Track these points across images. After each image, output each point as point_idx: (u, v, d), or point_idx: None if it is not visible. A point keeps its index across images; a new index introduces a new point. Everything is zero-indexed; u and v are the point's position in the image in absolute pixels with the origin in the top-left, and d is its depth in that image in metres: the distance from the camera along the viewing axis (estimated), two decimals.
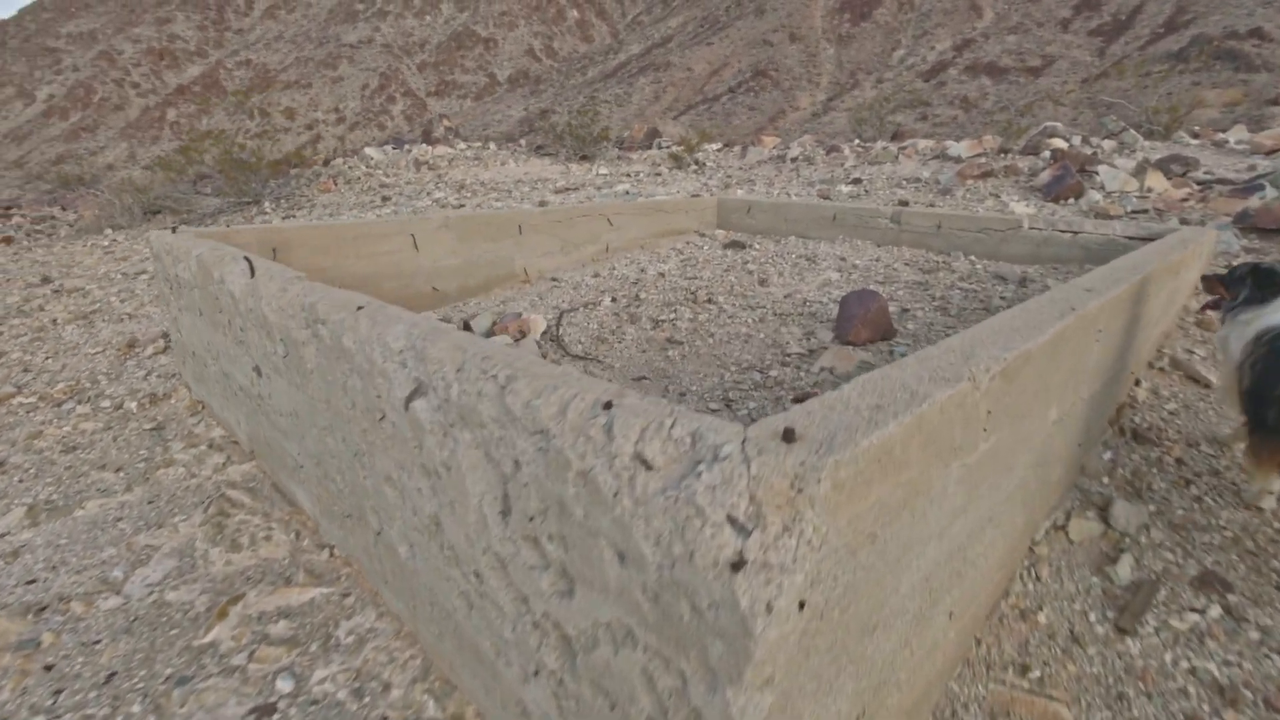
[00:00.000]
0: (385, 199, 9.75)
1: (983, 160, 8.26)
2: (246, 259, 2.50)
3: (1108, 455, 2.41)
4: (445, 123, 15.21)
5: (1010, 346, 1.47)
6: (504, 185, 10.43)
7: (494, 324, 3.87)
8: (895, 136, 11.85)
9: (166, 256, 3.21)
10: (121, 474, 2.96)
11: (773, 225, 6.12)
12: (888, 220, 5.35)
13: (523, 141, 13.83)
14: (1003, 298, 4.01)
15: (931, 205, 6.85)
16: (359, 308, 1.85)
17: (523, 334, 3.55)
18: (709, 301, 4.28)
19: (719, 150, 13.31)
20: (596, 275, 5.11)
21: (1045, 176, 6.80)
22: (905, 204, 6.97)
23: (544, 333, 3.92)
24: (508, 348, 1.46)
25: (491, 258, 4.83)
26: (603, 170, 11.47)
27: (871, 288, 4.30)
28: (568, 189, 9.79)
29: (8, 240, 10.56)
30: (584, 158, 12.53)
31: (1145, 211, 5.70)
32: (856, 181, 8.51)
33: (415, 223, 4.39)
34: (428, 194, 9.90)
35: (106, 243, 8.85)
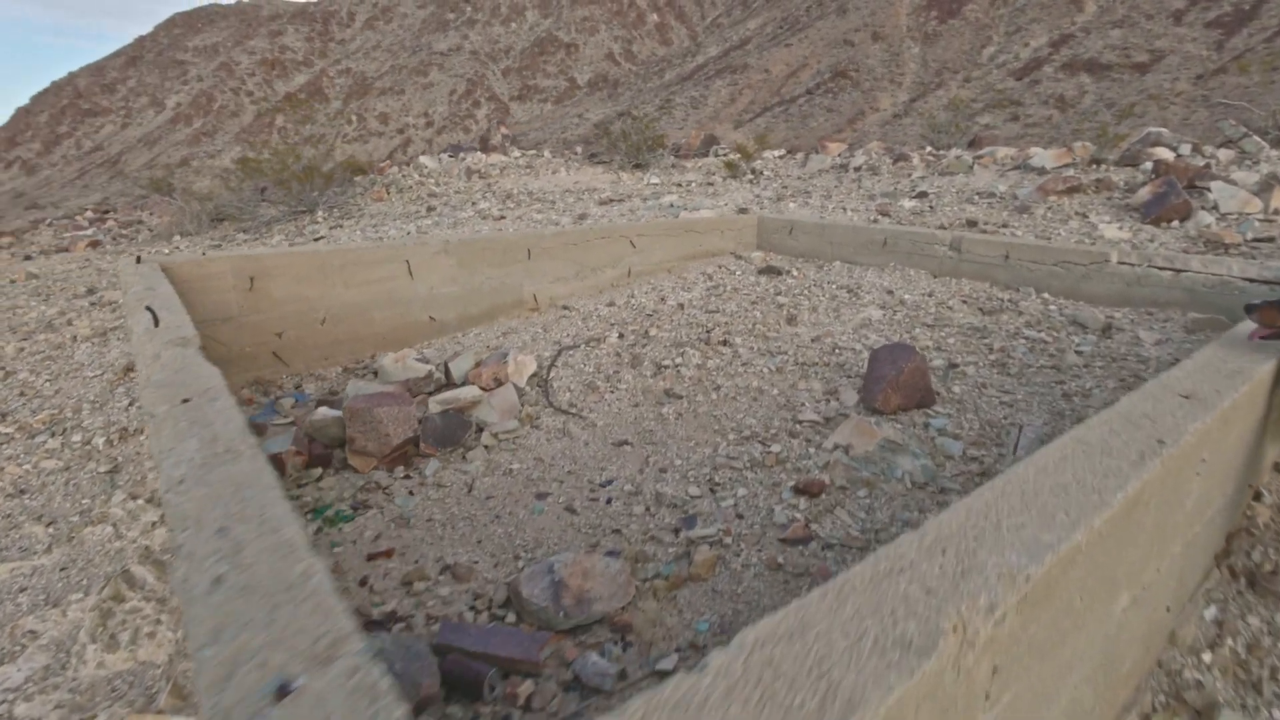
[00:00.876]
0: (430, 209, 9.64)
1: (1070, 173, 7.33)
2: (149, 309, 2.20)
3: (1211, 613, 1.77)
4: (502, 130, 15.14)
5: (1045, 543, 0.93)
6: (550, 195, 10.15)
7: (476, 364, 3.49)
8: (973, 143, 10.87)
9: (120, 289, 2.98)
10: (51, 529, 2.74)
11: (816, 248, 5.52)
12: (946, 247, 4.67)
13: (579, 149, 13.57)
14: (1079, 352, 3.32)
15: (1004, 226, 6.07)
16: (184, 400, 1.48)
17: (498, 383, 3.16)
18: (723, 343, 3.77)
19: (781, 157, 12.64)
20: (611, 304, 4.68)
21: (1144, 194, 5.89)
22: (973, 224, 6.21)
23: (533, 376, 3.51)
24: (278, 497, 1.05)
25: (496, 284, 4.48)
26: (654, 180, 11.04)
27: (918, 331, 3.68)
28: (612, 200, 9.42)
29: (94, 244, 11.12)
30: (637, 166, 12.14)
31: (1271, 240, 4.78)
32: (922, 195, 7.74)
33: (411, 248, 4.08)
34: (472, 204, 9.74)
35: (169, 250, 9.08)
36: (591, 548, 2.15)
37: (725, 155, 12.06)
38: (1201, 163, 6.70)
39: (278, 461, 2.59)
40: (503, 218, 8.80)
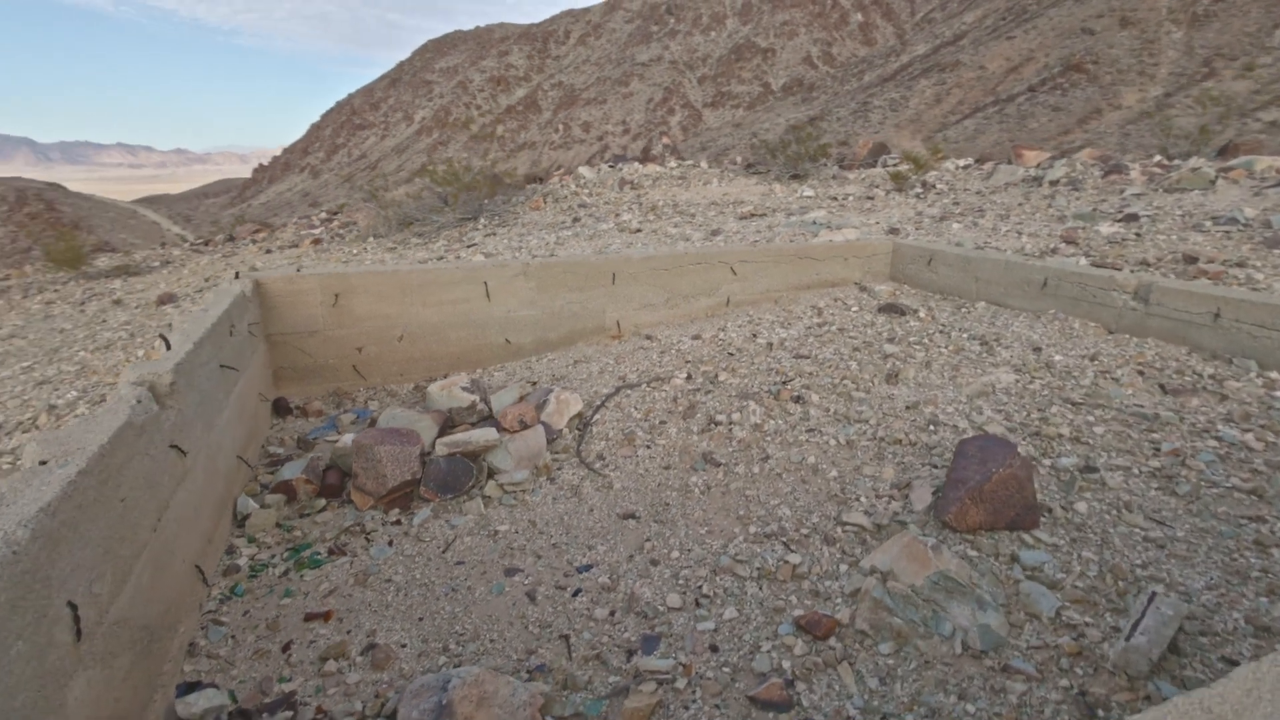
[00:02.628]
0: (575, 219, 9.81)
1: None
2: (162, 336, 2.25)
3: None
4: (664, 140, 15.10)
5: None
6: (694, 208, 9.87)
7: (520, 399, 3.31)
8: (1224, 151, 8.71)
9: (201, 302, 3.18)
10: None
11: (959, 285, 4.66)
12: (1129, 296, 3.66)
13: (738, 159, 13.11)
14: None
15: (1238, 266, 4.71)
16: (41, 462, 1.40)
17: (523, 425, 2.93)
18: (795, 400, 3.23)
19: (964, 167, 11.19)
20: (697, 337, 4.28)
21: None
22: (1192, 260, 4.91)
23: (575, 416, 3.25)
24: None
25: (577, 309, 4.28)
26: (807, 192, 10.30)
27: (1054, 411, 2.89)
28: (753, 214, 8.90)
29: (316, 241, 12.80)
30: (795, 177, 11.43)
31: None
32: (1130, 219, 6.33)
33: (490, 270, 4.02)
34: (615, 215, 9.75)
35: (357, 250, 10.11)
36: (526, 655, 1.83)
37: (894, 166, 10.92)
38: None
39: (288, 488, 2.58)
40: (639, 230, 8.67)
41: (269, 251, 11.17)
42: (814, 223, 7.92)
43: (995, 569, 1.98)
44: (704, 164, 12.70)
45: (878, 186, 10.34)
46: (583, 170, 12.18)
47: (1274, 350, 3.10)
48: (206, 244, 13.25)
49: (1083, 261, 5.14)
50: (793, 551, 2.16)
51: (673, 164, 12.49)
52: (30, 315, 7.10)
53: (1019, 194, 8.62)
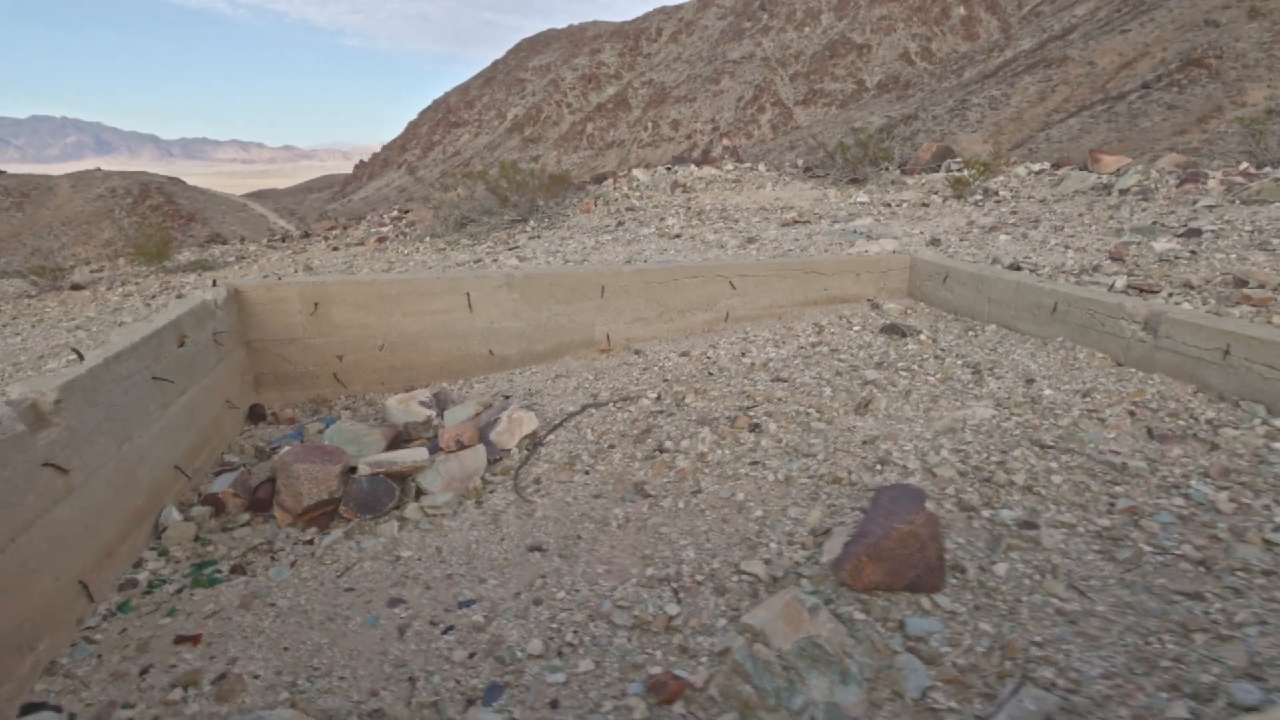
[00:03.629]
0: (620, 223, 9.81)
1: None
2: (74, 350, 2.38)
3: None
4: (725, 142, 14.79)
5: None
6: (741, 212, 9.66)
7: (476, 415, 3.32)
8: None
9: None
10: None
11: (972, 305, 4.34)
12: (1138, 326, 3.29)
13: (800, 161, 12.72)
14: (1272, 542, 2.04)
15: None
16: None
17: (461, 445, 2.93)
18: (752, 429, 3.09)
19: (1036, 173, 10.43)
20: (685, 354, 4.17)
21: None
22: (1243, 284, 4.38)
23: (529, 436, 3.23)
24: None
25: (564, 321, 4.26)
26: (862, 198, 9.88)
27: (1016, 454, 2.64)
28: (797, 221, 8.62)
29: (381, 240, 13.39)
30: (853, 181, 11.00)
31: None
32: (1192, 234, 5.72)
33: (472, 281, 4.06)
34: (660, 219, 9.68)
35: (408, 250, 10.48)
36: (367, 696, 1.81)
37: (958, 171, 10.30)
38: None
39: (216, 501, 2.68)
40: (678, 236, 8.58)
41: (335, 249, 11.70)
42: (854, 231, 7.59)
43: (877, 636, 1.81)
44: (761, 167, 12.41)
45: (936, 193, 9.79)
46: (637, 173, 12.16)
47: None
48: (283, 240, 14.06)
49: (1120, 282, 4.67)
50: (676, 601, 2.05)
51: (729, 167, 12.27)
52: (105, 307, 7.73)
53: (1084, 203, 7.97)
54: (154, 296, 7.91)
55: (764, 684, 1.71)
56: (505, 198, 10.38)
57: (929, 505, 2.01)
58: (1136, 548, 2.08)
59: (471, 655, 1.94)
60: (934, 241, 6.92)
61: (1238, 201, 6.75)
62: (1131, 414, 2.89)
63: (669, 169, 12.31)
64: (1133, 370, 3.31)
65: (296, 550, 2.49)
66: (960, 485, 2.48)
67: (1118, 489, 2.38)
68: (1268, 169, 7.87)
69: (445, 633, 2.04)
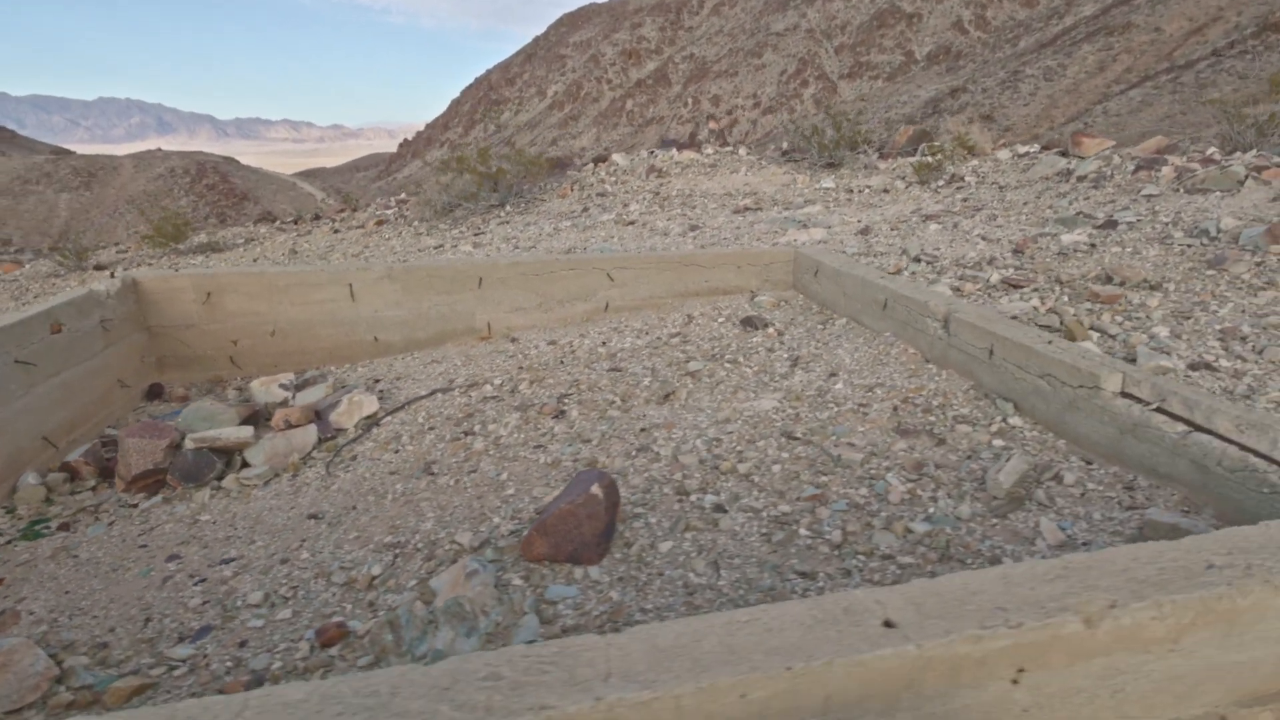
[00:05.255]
0: (585, 209, 10.05)
1: None
2: None
3: None
4: (712, 124, 14.78)
5: None
6: (704, 199, 9.79)
7: (325, 397, 3.69)
8: None
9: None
10: None
11: (833, 299, 4.49)
12: (940, 324, 3.44)
13: (784, 144, 12.67)
14: (914, 533, 2.24)
15: (1154, 290, 4.20)
16: None
17: (289, 425, 3.30)
18: (557, 415, 3.38)
19: (1021, 156, 10.21)
20: (552, 343, 4.46)
21: None
22: (1109, 280, 4.43)
23: (368, 417, 3.59)
24: None
25: (445, 311, 4.59)
26: (828, 184, 9.88)
27: (761, 446, 2.86)
28: (749, 208, 8.72)
29: (380, 222, 13.90)
30: (829, 165, 10.96)
31: None
32: (1108, 225, 5.68)
33: (353, 273, 4.41)
34: (623, 204, 9.89)
35: (393, 234, 10.91)
36: (106, 632, 2.20)
37: (941, 153, 10.15)
38: None
39: (71, 468, 3.12)
40: (632, 223, 8.80)
41: (337, 231, 12.22)
42: (793, 220, 7.69)
43: (518, 599, 2.11)
44: (742, 151, 12.42)
45: (903, 178, 9.72)
46: (617, 157, 12.33)
47: (1030, 395, 2.85)
48: (295, 223, 14.68)
49: (995, 276, 4.75)
50: (391, 563, 2.38)
51: (709, 151, 12.33)
52: None
53: (1037, 190, 7.86)
54: None
55: (405, 635, 2.03)
56: (480, 184, 10.71)
57: (594, 489, 2.28)
58: (794, 531, 2.31)
59: (205, 602, 2.31)
60: (864, 231, 6.99)
61: (1182, 190, 6.61)
62: (895, 409, 3.08)
63: (650, 153, 12.45)
64: (932, 367, 3.47)
65: (119, 512, 2.91)
66: (690, 472, 2.72)
67: (823, 479, 2.60)
68: (1238, 154, 7.60)
69: (198, 584, 2.41)
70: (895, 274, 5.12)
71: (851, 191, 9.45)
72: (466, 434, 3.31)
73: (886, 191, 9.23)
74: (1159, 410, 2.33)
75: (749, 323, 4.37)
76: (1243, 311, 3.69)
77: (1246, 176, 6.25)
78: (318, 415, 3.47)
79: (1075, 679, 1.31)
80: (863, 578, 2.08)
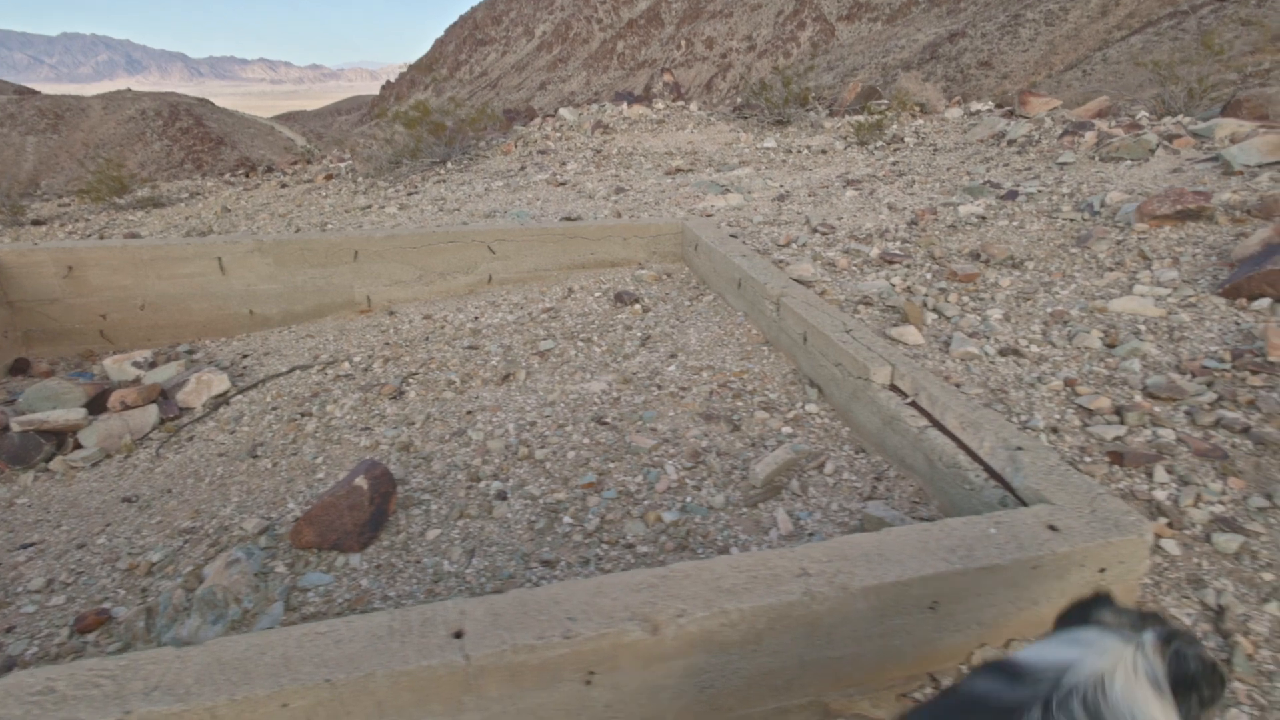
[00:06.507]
0: (522, 168, 9.91)
1: (1245, 178, 4.75)
2: None
3: None
4: (666, 77, 14.42)
5: None
6: (644, 157, 9.66)
7: (173, 376, 3.73)
8: (1229, 108, 7.26)
9: None
10: None
11: (707, 274, 4.52)
12: (774, 306, 3.49)
13: (738, 100, 12.41)
14: (665, 522, 2.35)
15: (1018, 266, 4.25)
16: None
17: (125, 406, 3.36)
18: (394, 397, 3.44)
19: (973, 114, 10.07)
20: (428, 317, 4.50)
21: (1253, 244, 3.60)
22: (976, 257, 4.47)
23: (219, 396, 3.65)
24: None
25: (321, 284, 4.60)
26: (769, 143, 9.75)
27: (569, 430, 2.94)
28: (678, 170, 8.63)
29: (329, 177, 13.65)
30: (778, 122, 10.79)
31: None
32: (1009, 196, 5.69)
33: (222, 247, 4.40)
34: (561, 163, 9.75)
35: (327, 193, 10.71)
36: None
37: (880, 113, 9.98)
38: None
39: None
40: (564, 184, 8.71)
41: (285, 186, 12.00)
42: (715, 184, 7.62)
43: (274, 587, 2.21)
44: (693, 107, 12.17)
45: (845, 138, 9.59)
46: (564, 112, 12.07)
47: (829, 382, 2.93)
48: (247, 175, 14.38)
49: (875, 251, 4.78)
50: (181, 550, 2.48)
51: (659, 106, 12.07)
52: None
53: (966, 155, 7.80)
54: (88, 236, 8.36)
55: (159, 622, 2.14)
56: (420, 140, 10.51)
57: (358, 480, 2.37)
58: (558, 519, 2.41)
59: None
60: (781, 198, 6.95)
61: (1097, 158, 6.58)
62: (712, 393, 3.16)
63: (600, 107, 12.18)
64: (766, 349, 3.53)
65: None
66: (490, 457, 2.81)
67: (609, 465, 2.69)
68: (1168, 118, 7.53)
69: None
70: (785, 246, 5.13)
71: (790, 152, 9.34)
72: (304, 414, 3.38)
73: (824, 153, 9.13)
74: (912, 404, 2.42)
75: (620, 298, 4.41)
76: (1081, 294, 3.75)
77: (1158, 145, 6.23)
78: (164, 395, 3.53)
79: (657, 678, 1.42)
80: (597, 567, 2.19)
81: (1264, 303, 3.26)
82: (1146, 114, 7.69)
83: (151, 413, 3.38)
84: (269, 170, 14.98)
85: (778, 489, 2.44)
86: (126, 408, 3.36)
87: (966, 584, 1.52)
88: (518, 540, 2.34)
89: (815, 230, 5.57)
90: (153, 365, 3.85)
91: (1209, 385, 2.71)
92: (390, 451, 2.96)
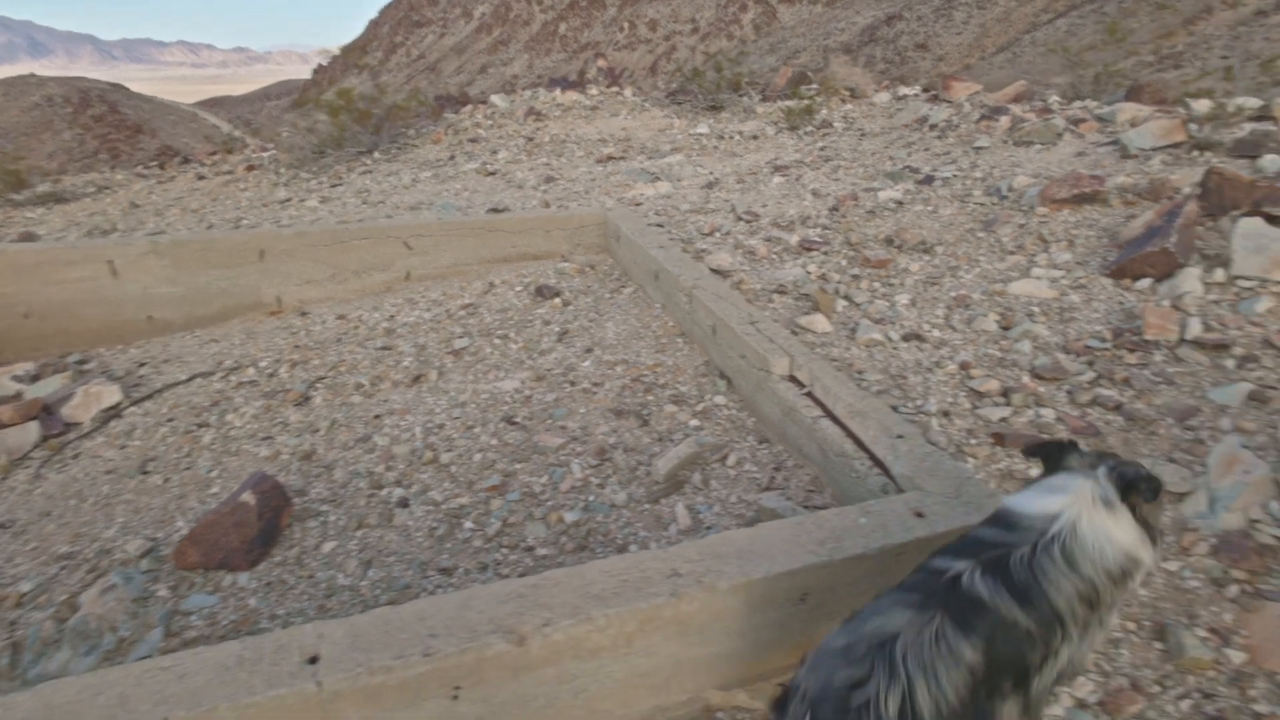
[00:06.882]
0: (452, 157, 9.68)
1: (1140, 162, 4.99)
2: None
3: None
4: (601, 62, 14.30)
5: None
6: (577, 144, 9.56)
7: (58, 390, 3.52)
8: (1132, 93, 7.65)
9: None
10: None
11: (629, 266, 4.51)
12: (686, 298, 3.50)
13: (674, 86, 12.38)
14: (563, 523, 2.34)
15: (926, 253, 4.37)
16: None
17: (1, 424, 3.15)
18: (299, 403, 3.33)
19: (899, 98, 10.27)
20: (342, 317, 4.35)
21: (1137, 225, 3.79)
22: (891, 241, 4.58)
23: (110, 408, 3.46)
24: None
25: (226, 285, 4.40)
26: (702, 129, 9.76)
27: (478, 431, 2.89)
28: (610, 158, 8.57)
29: (251, 168, 13.04)
30: (712, 108, 10.81)
31: (1226, 350, 2.78)
32: (926, 181, 5.84)
33: (114, 249, 4.16)
34: (491, 152, 9.56)
35: (246, 185, 10.25)
36: None
37: (810, 98, 10.11)
38: None
39: None
40: (493, 173, 8.54)
41: (202, 178, 11.41)
42: (645, 172, 7.60)
43: (153, 612, 2.12)
44: (628, 93, 12.09)
45: (776, 123, 9.68)
46: (495, 99, 11.81)
47: (737, 374, 2.96)
48: (161, 167, 13.62)
49: (795, 239, 4.84)
50: (48, 577, 2.35)
51: (593, 92, 11.95)
52: None
53: (890, 140, 7.97)
54: None
55: (25, 658, 2.03)
56: (343, 129, 10.14)
57: (244, 496, 2.28)
58: (460, 524, 2.38)
59: None
60: (709, 185, 6.98)
61: (1011, 143, 6.80)
62: (624, 388, 3.15)
63: (533, 93, 11.98)
64: (680, 341, 3.55)
65: None
66: (395, 463, 2.75)
67: (515, 467, 2.66)
68: (1078, 103, 7.84)
69: None
70: (710, 234, 5.15)
71: (723, 138, 9.38)
72: (201, 425, 3.24)
73: (756, 138, 9.20)
74: (808, 395, 2.46)
75: (541, 292, 4.36)
76: (984, 277, 3.89)
77: (1065, 130, 6.48)
78: (47, 410, 3.33)
79: (527, 687, 1.42)
80: (496, 572, 2.17)
81: (1145, 283, 3.44)
82: (1058, 99, 8.00)
83: (31, 430, 3.19)
84: (185, 161, 14.26)
85: (680, 484, 2.46)
86: (2, 426, 3.15)
87: (835, 575, 1.56)
88: (417, 549, 2.30)
89: (740, 218, 5.61)
90: (36, 378, 3.62)
91: (1090, 365, 2.84)
92: (291, 461, 2.86)
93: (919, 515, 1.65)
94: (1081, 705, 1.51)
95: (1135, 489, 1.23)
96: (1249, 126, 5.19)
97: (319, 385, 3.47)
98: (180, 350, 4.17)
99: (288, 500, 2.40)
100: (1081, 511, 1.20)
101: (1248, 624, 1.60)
